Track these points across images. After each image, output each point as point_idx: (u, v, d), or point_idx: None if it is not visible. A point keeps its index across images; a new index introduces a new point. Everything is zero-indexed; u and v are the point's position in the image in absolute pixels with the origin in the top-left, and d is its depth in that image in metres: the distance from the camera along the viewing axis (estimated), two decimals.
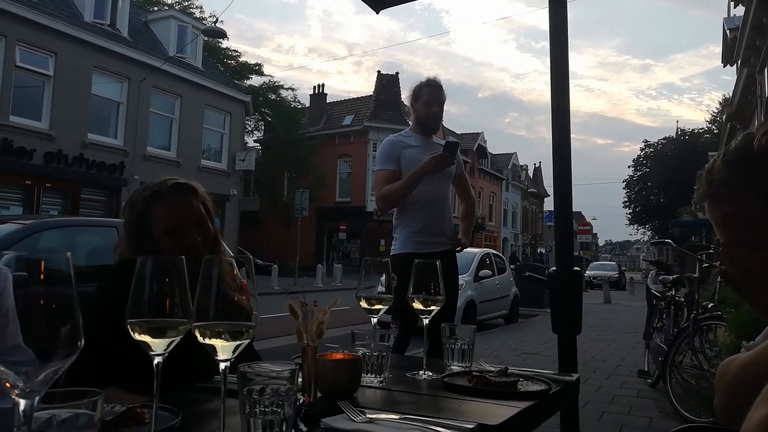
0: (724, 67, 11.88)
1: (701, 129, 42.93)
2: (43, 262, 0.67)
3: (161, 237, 1.55)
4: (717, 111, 36.94)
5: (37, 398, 0.63)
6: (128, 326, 0.86)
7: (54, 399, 0.75)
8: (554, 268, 2.14)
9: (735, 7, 10.17)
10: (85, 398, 0.73)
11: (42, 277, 0.66)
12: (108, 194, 17.40)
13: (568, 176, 2.27)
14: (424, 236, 3.05)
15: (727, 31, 10.60)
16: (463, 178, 3.44)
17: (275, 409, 0.91)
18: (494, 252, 11.69)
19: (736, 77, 10.96)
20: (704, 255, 5.32)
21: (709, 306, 4.42)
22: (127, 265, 1.01)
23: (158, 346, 0.86)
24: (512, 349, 7.24)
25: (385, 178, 3.08)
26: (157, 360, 0.88)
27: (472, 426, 1.00)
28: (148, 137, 18.25)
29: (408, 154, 3.10)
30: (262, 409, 0.91)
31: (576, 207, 2.43)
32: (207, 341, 0.87)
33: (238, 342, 0.88)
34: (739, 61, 9.26)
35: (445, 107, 3.29)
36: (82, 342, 0.66)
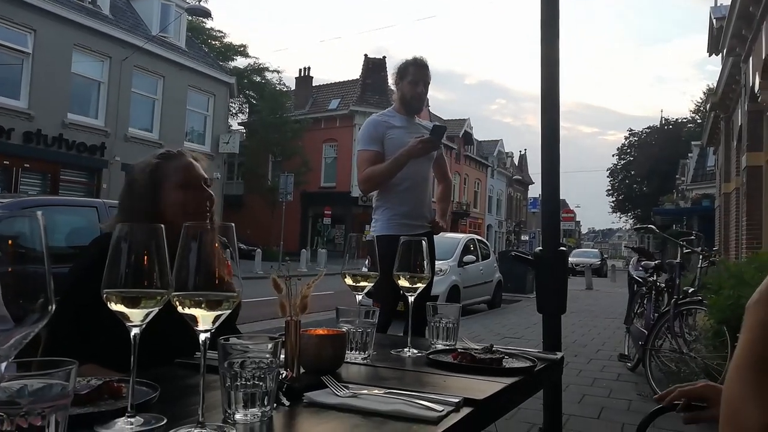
0: (710, 56, 11.96)
1: (685, 119, 43.39)
2: (14, 230, 0.64)
3: (172, 190, 1.51)
4: (701, 101, 37.32)
5: (4, 364, 0.60)
6: (104, 296, 0.83)
7: (30, 369, 0.73)
8: (540, 248, 2.14)
9: None
10: (59, 368, 0.70)
11: (10, 243, 0.63)
12: (88, 175, 17.12)
13: (556, 159, 2.26)
14: (407, 218, 3.01)
15: (714, 21, 10.66)
16: (442, 159, 3.39)
17: (257, 382, 0.89)
18: (478, 238, 11.73)
19: (721, 67, 11.04)
20: (685, 241, 5.38)
21: (690, 291, 4.47)
22: (106, 239, 0.97)
23: (135, 316, 0.83)
24: (495, 333, 7.29)
25: (369, 159, 3.01)
26: (134, 331, 0.86)
27: (458, 400, 0.98)
28: (129, 118, 17.94)
29: (392, 135, 3.04)
30: (243, 382, 0.89)
31: (560, 194, 2.43)
32: (186, 311, 0.84)
33: (219, 312, 0.85)
34: (725, 51, 9.33)
35: (432, 93, 3.26)
36: (53, 307, 0.63)
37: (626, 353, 5.50)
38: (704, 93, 33.20)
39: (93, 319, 1.25)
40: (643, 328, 4.84)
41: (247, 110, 32.26)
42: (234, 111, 30.84)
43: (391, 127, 3.07)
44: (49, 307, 0.62)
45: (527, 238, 47.32)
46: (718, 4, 11.29)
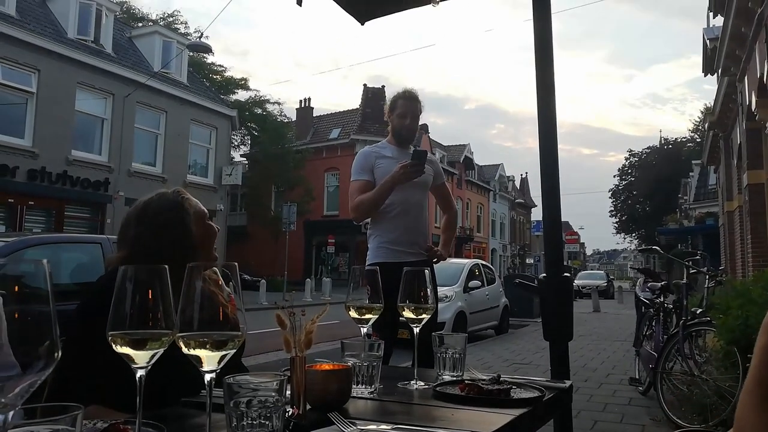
0: (705, 76, 12.04)
1: (684, 138, 43.56)
2: (19, 273, 0.64)
3: (200, 222, 1.60)
4: (699, 120, 37.51)
5: (11, 413, 0.60)
6: (109, 338, 0.83)
7: (35, 414, 0.73)
8: (544, 274, 2.13)
9: (714, 18, 10.36)
10: (64, 413, 0.70)
11: (17, 288, 0.64)
12: (93, 211, 17.22)
13: (556, 185, 2.27)
14: (396, 245, 3.00)
15: (707, 41, 10.77)
16: (444, 188, 3.40)
17: (263, 421, 0.89)
18: (483, 262, 11.68)
19: (717, 86, 11.12)
20: (691, 261, 5.34)
21: (698, 312, 4.43)
22: (111, 277, 0.98)
23: (141, 358, 0.83)
24: (503, 359, 7.21)
25: (359, 188, 3.06)
26: (140, 373, 0.85)
27: None
28: (133, 153, 18.14)
29: (381, 165, 3.09)
30: (250, 421, 0.88)
31: (563, 217, 2.43)
32: (192, 352, 0.84)
33: (224, 352, 0.85)
34: (720, 71, 9.40)
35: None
36: (59, 354, 0.63)
37: (637, 377, 5.42)
38: (702, 112, 33.39)
39: (99, 360, 1.25)
40: (653, 350, 4.78)
41: (249, 142, 32.54)
42: (236, 143, 31.12)
43: (381, 157, 3.13)
44: (56, 354, 0.63)
45: (532, 261, 47.08)
46: (711, 25, 11.43)
